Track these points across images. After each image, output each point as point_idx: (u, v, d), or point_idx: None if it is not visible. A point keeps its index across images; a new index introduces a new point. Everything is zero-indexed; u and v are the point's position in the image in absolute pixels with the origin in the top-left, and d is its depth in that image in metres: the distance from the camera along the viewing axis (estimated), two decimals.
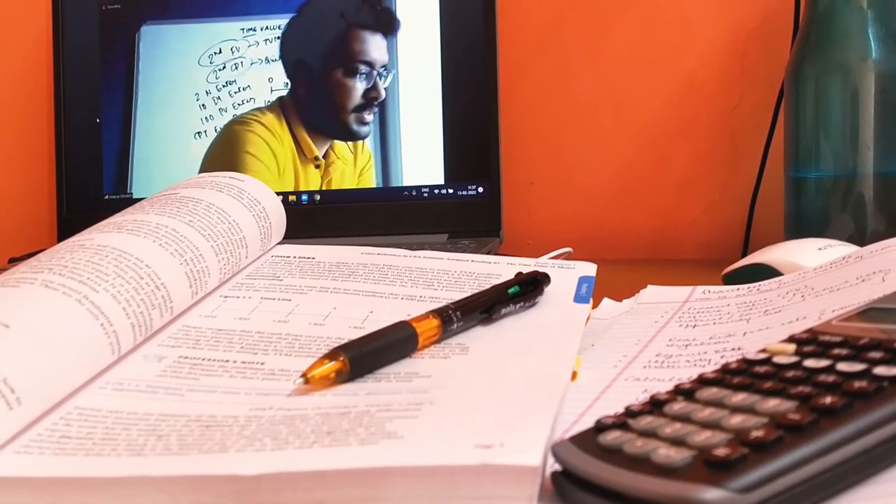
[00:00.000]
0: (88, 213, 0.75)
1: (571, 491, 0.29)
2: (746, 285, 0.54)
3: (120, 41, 0.96)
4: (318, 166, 0.89)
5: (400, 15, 0.90)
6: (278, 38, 0.92)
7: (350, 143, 0.90)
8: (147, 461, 0.32)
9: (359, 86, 0.89)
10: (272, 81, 0.93)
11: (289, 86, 0.92)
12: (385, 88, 0.89)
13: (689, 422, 0.30)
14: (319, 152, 0.90)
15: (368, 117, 0.89)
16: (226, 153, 0.93)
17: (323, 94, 0.91)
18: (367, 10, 0.90)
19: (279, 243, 0.58)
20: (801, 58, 0.74)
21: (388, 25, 0.89)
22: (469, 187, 0.88)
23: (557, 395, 0.35)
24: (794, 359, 0.33)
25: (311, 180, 0.90)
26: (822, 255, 0.58)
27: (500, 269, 0.53)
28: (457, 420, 0.33)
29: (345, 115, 0.90)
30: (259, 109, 0.93)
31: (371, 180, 0.90)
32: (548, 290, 0.49)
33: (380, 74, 0.89)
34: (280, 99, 0.92)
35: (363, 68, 0.89)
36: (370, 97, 0.89)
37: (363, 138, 0.90)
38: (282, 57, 0.92)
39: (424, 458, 0.30)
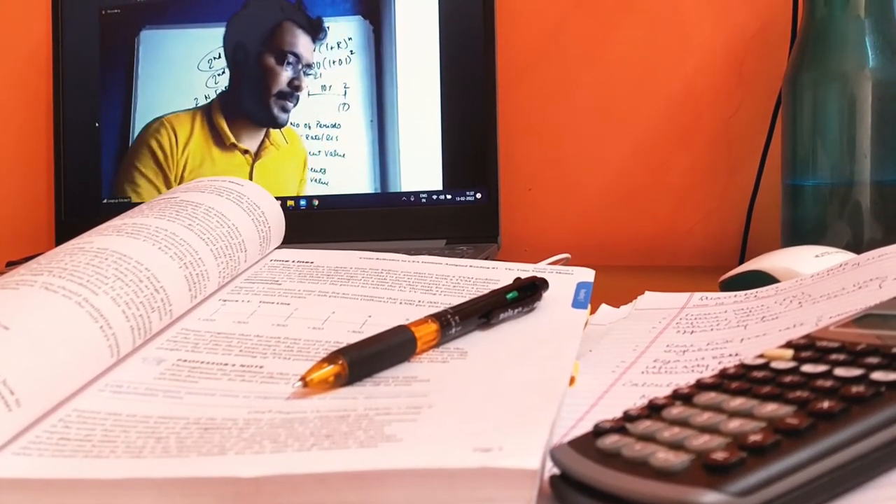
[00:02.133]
0: (86, 217, 0.75)
1: (570, 494, 0.29)
2: (744, 292, 0.54)
3: (119, 46, 0.96)
4: (245, 153, 0.93)
5: (400, 22, 0.90)
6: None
7: (283, 133, 0.93)
8: (146, 463, 0.32)
9: (285, 74, 0.93)
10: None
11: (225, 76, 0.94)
12: (307, 87, 0.93)
13: (687, 426, 0.30)
14: (250, 143, 0.94)
15: (289, 105, 0.93)
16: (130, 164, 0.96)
17: (255, 79, 0.94)
18: (302, 12, 0.93)
19: (278, 247, 0.58)
20: (798, 66, 0.74)
21: (316, 30, 0.93)
22: (467, 193, 0.89)
23: (556, 399, 0.35)
24: (791, 364, 0.33)
25: (240, 167, 0.93)
26: (819, 263, 0.59)
27: (498, 274, 0.54)
28: (456, 424, 0.33)
29: (268, 99, 0.93)
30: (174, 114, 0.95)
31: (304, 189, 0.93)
32: (546, 295, 0.49)
33: (304, 70, 0.93)
34: (207, 100, 0.95)
35: (291, 58, 0.93)
36: (293, 85, 0.93)
37: (282, 125, 0.93)
38: (224, 48, 0.94)
39: (423, 462, 0.30)
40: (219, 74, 0.94)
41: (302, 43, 0.93)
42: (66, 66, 0.97)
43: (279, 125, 0.93)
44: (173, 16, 0.96)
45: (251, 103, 0.94)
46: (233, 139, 0.94)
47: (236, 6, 0.94)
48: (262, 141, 0.93)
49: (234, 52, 0.94)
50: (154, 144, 0.95)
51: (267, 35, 0.94)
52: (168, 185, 0.94)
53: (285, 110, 0.93)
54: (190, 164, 0.94)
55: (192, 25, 0.95)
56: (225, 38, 0.94)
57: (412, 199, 0.90)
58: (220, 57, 0.94)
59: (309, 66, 0.93)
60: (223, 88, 0.95)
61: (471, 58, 0.89)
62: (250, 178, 0.92)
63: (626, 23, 0.93)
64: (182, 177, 0.94)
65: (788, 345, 0.36)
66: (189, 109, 0.95)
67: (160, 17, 0.96)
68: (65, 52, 0.97)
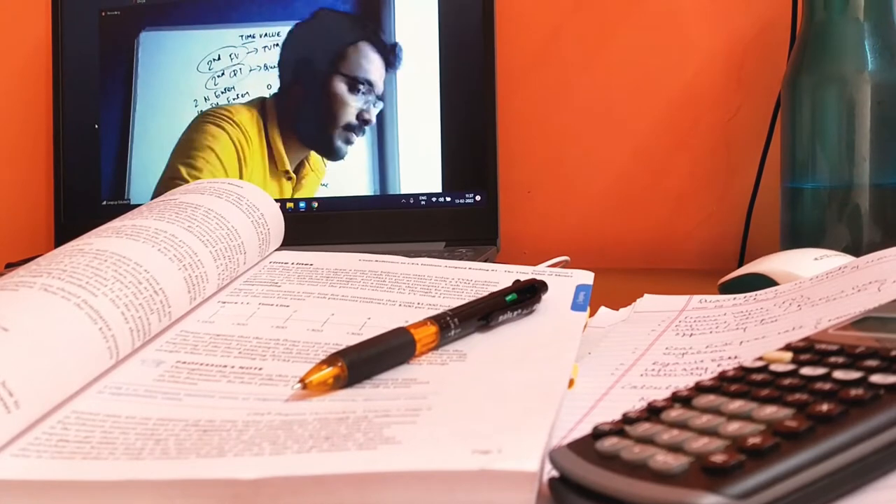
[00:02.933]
0: (86, 219, 0.75)
1: (569, 497, 0.29)
2: (743, 295, 0.54)
3: (119, 47, 0.96)
4: (289, 179, 0.89)
5: (399, 25, 0.90)
6: (277, 45, 0.93)
7: (324, 159, 0.90)
8: (145, 465, 0.32)
9: (355, 104, 0.89)
10: (271, 88, 0.93)
11: (277, 88, 0.92)
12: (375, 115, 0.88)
13: (686, 428, 0.30)
14: (292, 164, 0.90)
15: (354, 138, 0.89)
16: (189, 146, 0.93)
17: (315, 103, 0.91)
18: (379, 34, 0.90)
19: (277, 249, 0.58)
20: (797, 69, 0.74)
21: (391, 56, 0.89)
22: (467, 195, 0.89)
23: (555, 402, 0.35)
24: (790, 367, 0.33)
25: (284, 192, 0.91)
26: (818, 266, 0.59)
27: (497, 276, 0.54)
28: (455, 426, 0.33)
29: (333, 129, 0.90)
30: (234, 106, 0.92)
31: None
32: (545, 297, 0.49)
33: (375, 101, 0.89)
34: (262, 100, 0.92)
35: (363, 86, 0.89)
36: (362, 118, 0.89)
37: (341, 158, 0.89)
38: (281, 59, 0.92)
39: (422, 464, 0.30)
40: (218, 76, 0.94)
41: (375, 69, 0.88)
42: (66, 67, 0.97)
43: (339, 158, 0.90)
44: (173, 17, 0.96)
45: (312, 129, 0.90)
46: (287, 166, 0.89)
47: (239, 9, 0.94)
48: (302, 163, 0.90)
49: (297, 65, 0.90)
50: (226, 134, 0.92)
51: (338, 54, 0.90)
52: (241, 174, 0.90)
53: (349, 142, 0.88)
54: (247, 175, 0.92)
55: (192, 27, 0.95)
56: (285, 45, 0.91)
57: (411, 201, 0.90)
58: (219, 59, 0.94)
59: (380, 97, 0.88)
60: (274, 92, 0.91)
61: (470, 60, 0.89)
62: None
63: (625, 26, 0.93)
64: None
65: (787, 347, 0.36)
66: (248, 106, 0.91)
67: (160, 19, 0.96)
68: (64, 54, 0.97)
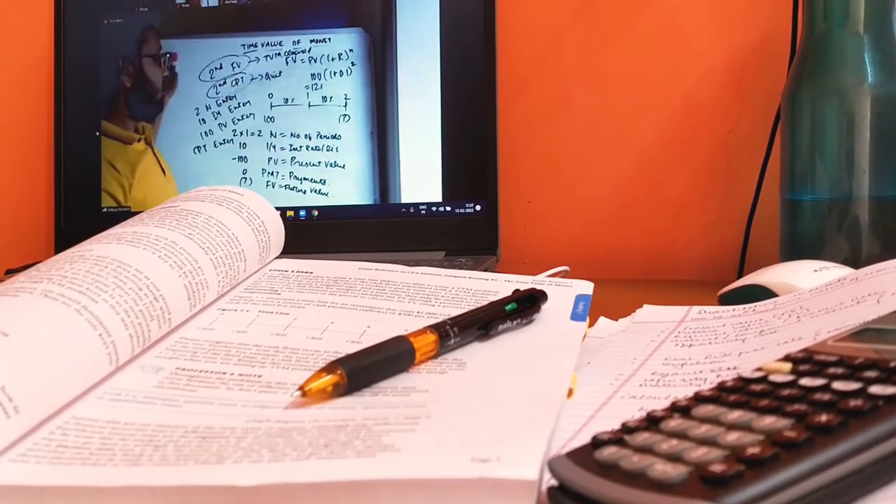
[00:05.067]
0: (86, 225, 0.75)
1: None
2: (742, 306, 0.54)
3: (121, 56, 0.96)
4: None
5: (400, 32, 0.91)
6: (279, 54, 0.93)
7: None
8: (144, 471, 0.32)
9: None
10: (272, 97, 0.93)
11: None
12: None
13: (685, 438, 0.30)
14: None
15: None
16: None
17: None
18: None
19: (277, 257, 0.58)
20: (797, 81, 0.74)
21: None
22: (467, 205, 0.89)
23: (554, 411, 0.35)
24: (789, 377, 0.33)
25: None
26: (818, 277, 0.59)
27: (497, 285, 0.54)
28: (454, 434, 0.33)
29: None
30: None
31: None
32: (545, 307, 0.49)
33: None
34: None
35: None
36: None
37: None
38: None
39: (421, 471, 0.30)
40: (220, 85, 0.94)
41: None
42: (68, 75, 0.97)
43: None
44: (175, 26, 0.96)
45: None
46: None
47: (241, 18, 0.94)
48: None
49: None
50: None
51: None
52: None
53: None
54: None
55: (195, 36, 0.95)
56: None
57: (412, 210, 0.90)
58: (221, 68, 0.94)
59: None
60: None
61: (471, 70, 0.89)
62: None
63: (625, 37, 0.93)
64: None
65: (787, 358, 0.36)
66: None
67: (162, 28, 0.96)
68: (66, 62, 0.97)
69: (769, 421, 0.30)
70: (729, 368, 0.44)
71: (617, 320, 0.56)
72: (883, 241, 0.72)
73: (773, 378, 0.34)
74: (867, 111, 0.71)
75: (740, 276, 0.82)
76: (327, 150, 0.92)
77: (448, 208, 0.89)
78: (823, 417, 0.29)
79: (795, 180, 0.75)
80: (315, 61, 0.92)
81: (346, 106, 0.92)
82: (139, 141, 0.96)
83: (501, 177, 0.89)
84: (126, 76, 0.96)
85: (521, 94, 0.95)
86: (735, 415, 0.31)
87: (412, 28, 0.91)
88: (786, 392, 0.32)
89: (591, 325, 0.53)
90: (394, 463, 0.31)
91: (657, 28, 0.92)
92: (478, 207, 0.89)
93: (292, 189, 0.92)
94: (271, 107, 0.93)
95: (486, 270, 0.77)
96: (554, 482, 0.30)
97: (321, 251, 0.85)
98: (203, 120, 0.94)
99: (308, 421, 0.35)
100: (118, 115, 0.96)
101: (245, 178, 0.93)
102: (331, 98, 0.92)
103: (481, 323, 0.45)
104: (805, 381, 0.33)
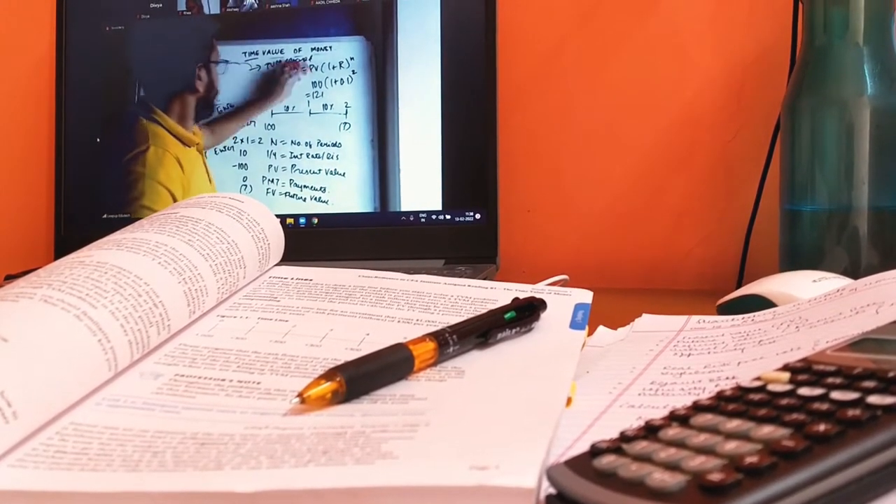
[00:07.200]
0: (86, 232, 0.75)
1: None
2: (741, 316, 0.54)
3: (122, 63, 0.96)
4: None
5: (401, 40, 0.91)
6: (279, 61, 0.93)
7: None
8: (142, 477, 0.32)
9: None
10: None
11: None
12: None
13: (683, 447, 0.30)
14: None
15: None
16: None
17: None
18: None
19: (277, 265, 0.58)
20: (797, 92, 0.75)
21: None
22: (467, 213, 0.89)
23: (553, 419, 0.35)
24: (788, 387, 0.33)
25: None
26: (817, 288, 0.59)
27: (496, 294, 0.54)
28: (452, 442, 0.34)
29: None
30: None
31: None
32: (544, 316, 0.49)
33: None
34: None
35: None
36: None
37: None
38: None
39: (419, 479, 0.30)
40: None
41: None
42: (69, 82, 0.98)
43: None
44: (176, 34, 0.96)
45: None
46: None
47: (241, 25, 0.95)
48: None
49: None
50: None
51: None
52: None
53: None
54: None
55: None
56: None
57: (411, 218, 0.90)
58: (225, 74, 0.94)
59: None
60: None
61: (471, 78, 0.90)
62: None
63: (626, 47, 0.93)
64: None
65: (785, 368, 0.36)
66: None
67: (163, 36, 0.96)
68: (67, 69, 0.98)
69: (767, 430, 0.30)
70: (727, 378, 0.44)
71: (616, 329, 0.56)
72: (882, 252, 0.72)
73: (771, 387, 0.34)
74: (867, 122, 0.71)
75: (739, 285, 0.82)
76: (328, 158, 0.92)
77: (448, 217, 0.89)
78: (822, 427, 0.29)
79: (795, 191, 0.75)
80: (316, 69, 0.93)
81: (346, 114, 0.92)
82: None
83: (501, 186, 0.89)
84: (126, 83, 0.96)
85: (522, 103, 0.95)
86: (733, 424, 0.31)
87: (413, 37, 0.91)
88: (784, 401, 0.32)
89: (590, 333, 0.53)
90: (392, 470, 0.31)
91: (657, 38, 0.92)
92: (477, 216, 0.89)
93: (292, 196, 0.92)
94: (272, 114, 0.93)
95: (485, 279, 0.77)
96: (552, 490, 0.30)
97: (321, 259, 0.85)
98: None
99: (307, 428, 0.35)
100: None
101: (245, 186, 0.94)
102: (331, 106, 0.92)
103: (480, 331, 0.45)
104: (803, 391, 0.33)
